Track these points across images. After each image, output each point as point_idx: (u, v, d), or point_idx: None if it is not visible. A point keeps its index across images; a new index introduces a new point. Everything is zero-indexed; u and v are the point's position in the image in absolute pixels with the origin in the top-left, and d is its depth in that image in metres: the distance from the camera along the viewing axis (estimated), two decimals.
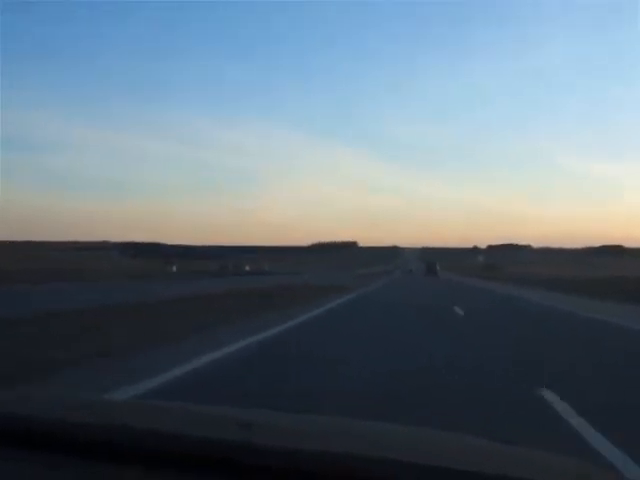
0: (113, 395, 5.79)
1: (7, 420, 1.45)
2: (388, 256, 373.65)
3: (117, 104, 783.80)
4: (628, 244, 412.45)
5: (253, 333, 11.59)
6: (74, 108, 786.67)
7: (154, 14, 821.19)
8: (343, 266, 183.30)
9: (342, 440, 1.41)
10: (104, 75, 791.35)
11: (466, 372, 8.07)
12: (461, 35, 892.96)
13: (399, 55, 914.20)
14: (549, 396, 6.33)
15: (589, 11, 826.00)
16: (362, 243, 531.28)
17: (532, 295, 35.27)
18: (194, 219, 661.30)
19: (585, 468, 1.34)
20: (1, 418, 1.46)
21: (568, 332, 14.44)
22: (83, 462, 1.32)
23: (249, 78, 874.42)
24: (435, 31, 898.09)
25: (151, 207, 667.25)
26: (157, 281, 49.46)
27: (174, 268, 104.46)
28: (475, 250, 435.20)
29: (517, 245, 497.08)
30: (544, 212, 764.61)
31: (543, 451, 1.42)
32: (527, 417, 5.57)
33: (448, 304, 22.94)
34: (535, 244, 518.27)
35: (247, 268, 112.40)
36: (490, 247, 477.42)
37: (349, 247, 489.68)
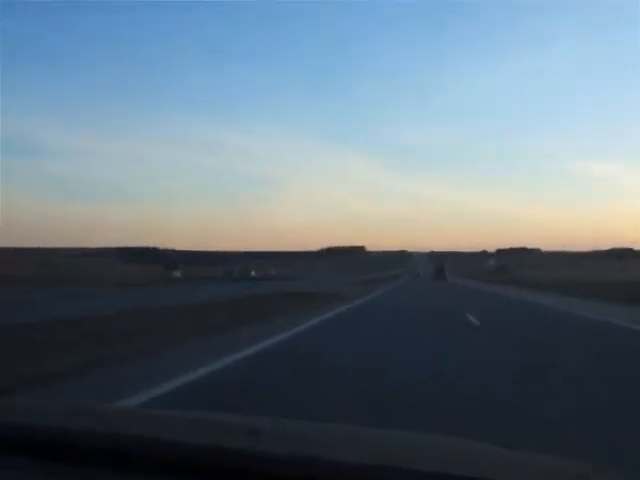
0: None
1: (8, 428, 1.46)
2: (396, 260, 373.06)
3: (121, 109, 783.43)
4: (638, 247, 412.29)
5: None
6: (78, 113, 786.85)
7: (158, 17, 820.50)
8: (351, 270, 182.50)
9: (350, 448, 1.42)
10: (107, 79, 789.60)
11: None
12: (467, 38, 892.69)
13: (406, 60, 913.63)
14: None
15: (592, 12, 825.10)
16: (370, 248, 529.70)
17: (554, 302, 30.81)
18: (202, 224, 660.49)
19: (585, 470, 1.36)
20: (2, 426, 1.47)
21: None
22: (85, 470, 1.32)
23: (258, 82, 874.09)
24: (443, 34, 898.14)
25: (158, 213, 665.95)
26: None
27: (178, 274, 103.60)
28: (484, 254, 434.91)
29: (526, 248, 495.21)
30: (553, 215, 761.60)
31: (544, 455, 1.46)
32: None
33: (461, 310, 20.73)
34: (544, 247, 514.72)
35: (253, 273, 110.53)
36: (499, 251, 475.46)
37: (357, 252, 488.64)
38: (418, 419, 5.67)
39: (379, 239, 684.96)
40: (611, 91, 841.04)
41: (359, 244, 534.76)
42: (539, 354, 10.66)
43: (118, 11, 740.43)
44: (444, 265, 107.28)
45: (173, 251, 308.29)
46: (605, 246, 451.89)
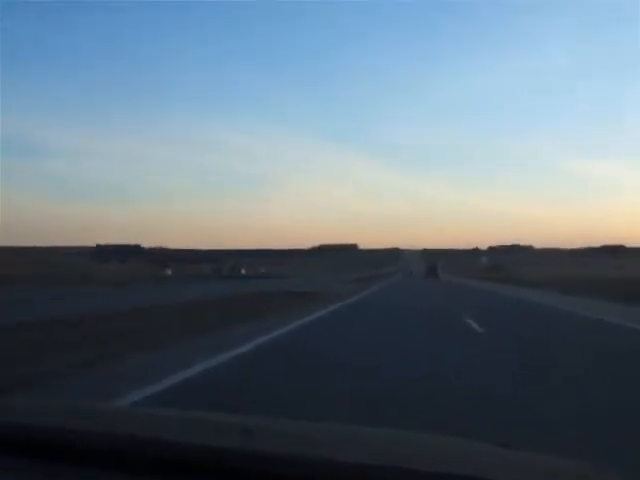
0: None
1: (7, 428, 1.45)
2: (389, 258, 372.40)
3: (120, 108, 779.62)
4: (629, 244, 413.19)
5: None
6: (77, 113, 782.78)
7: (158, 16, 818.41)
8: (343, 269, 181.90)
9: (345, 447, 1.42)
10: (107, 79, 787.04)
11: None
12: (464, 37, 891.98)
13: (403, 59, 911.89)
14: None
15: (588, 11, 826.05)
16: (363, 245, 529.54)
17: (553, 301, 29.73)
18: (198, 223, 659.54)
19: (585, 470, 1.35)
20: (1, 426, 1.47)
21: None
22: (83, 470, 1.32)
23: (258, 81, 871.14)
24: (439, 33, 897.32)
25: (154, 211, 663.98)
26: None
27: (169, 272, 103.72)
28: (476, 251, 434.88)
29: (519, 246, 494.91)
30: (545, 213, 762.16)
31: (544, 455, 1.44)
32: None
33: (458, 312, 19.37)
34: (537, 245, 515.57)
35: (243, 271, 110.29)
36: (491, 248, 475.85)
37: (350, 249, 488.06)
38: (412, 418, 5.63)
39: (371, 237, 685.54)
40: (605, 90, 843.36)
41: (352, 242, 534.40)
42: (538, 354, 10.58)
43: (118, 11, 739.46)
44: (437, 263, 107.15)
45: (160, 249, 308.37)
46: (597, 243, 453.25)
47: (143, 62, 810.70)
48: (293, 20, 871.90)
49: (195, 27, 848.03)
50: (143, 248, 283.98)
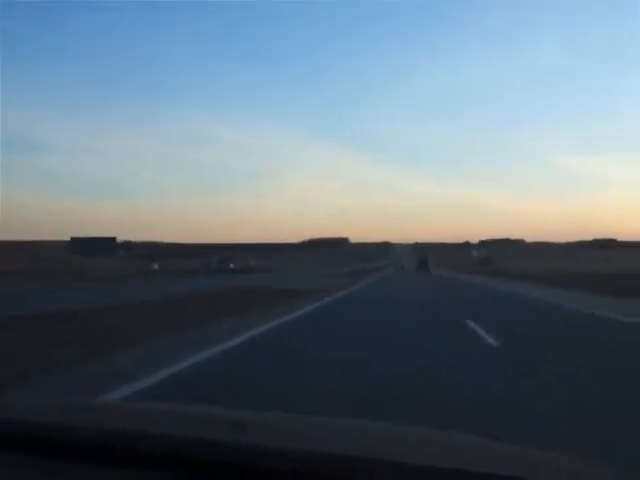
0: None
1: (5, 424, 1.46)
2: (380, 252, 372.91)
3: (116, 104, 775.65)
4: (620, 237, 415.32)
5: None
6: (72, 109, 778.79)
7: (155, 14, 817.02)
8: (334, 262, 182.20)
9: (336, 440, 1.42)
10: (103, 76, 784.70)
11: None
12: (452, 32, 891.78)
13: (391, 54, 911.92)
14: None
15: (576, 8, 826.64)
16: (353, 239, 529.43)
17: (542, 294, 29.53)
18: (191, 218, 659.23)
19: (577, 465, 1.35)
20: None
21: None
22: (80, 466, 1.32)
23: (248, 78, 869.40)
24: (428, 29, 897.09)
25: (147, 206, 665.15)
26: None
27: (156, 266, 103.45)
28: (467, 245, 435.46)
29: (510, 240, 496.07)
30: (536, 207, 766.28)
31: (534, 448, 1.42)
32: None
33: (458, 315, 16.01)
34: (528, 239, 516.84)
35: (232, 265, 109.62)
36: (482, 242, 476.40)
37: (341, 243, 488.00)
38: (403, 412, 5.60)
39: (362, 230, 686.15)
40: (596, 86, 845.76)
41: (343, 236, 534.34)
42: (528, 349, 10.52)
43: (115, 8, 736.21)
44: (427, 258, 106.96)
45: (152, 243, 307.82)
46: (589, 237, 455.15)
47: (139, 59, 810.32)
48: (285, 19, 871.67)
49: (189, 26, 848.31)
50: (134, 242, 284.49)
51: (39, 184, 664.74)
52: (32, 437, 1.39)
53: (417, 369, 8.18)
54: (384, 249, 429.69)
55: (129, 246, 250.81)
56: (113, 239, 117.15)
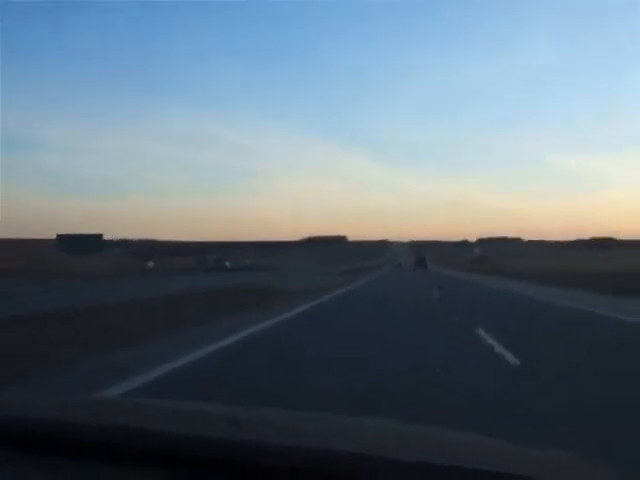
0: None
1: (4, 421, 1.45)
2: (377, 250, 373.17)
3: (116, 104, 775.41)
4: (618, 236, 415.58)
5: None
6: (72, 108, 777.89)
7: (154, 13, 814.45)
8: (332, 260, 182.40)
9: (333, 437, 1.43)
10: (102, 75, 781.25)
11: None
12: (452, 32, 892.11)
13: (391, 54, 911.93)
14: None
15: (573, 9, 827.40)
16: (351, 237, 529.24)
17: (537, 293, 29.30)
18: (189, 216, 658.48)
19: (574, 462, 1.35)
20: None
21: None
22: (80, 463, 1.32)
23: (248, 77, 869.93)
24: (428, 29, 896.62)
25: (147, 205, 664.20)
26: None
27: (151, 264, 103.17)
28: (465, 243, 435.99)
29: (507, 238, 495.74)
30: (534, 206, 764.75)
31: (531, 446, 1.42)
32: None
33: (467, 323, 14.08)
34: (525, 237, 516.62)
35: (227, 264, 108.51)
36: (480, 240, 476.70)
37: (339, 241, 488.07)
38: (399, 410, 5.60)
39: (360, 229, 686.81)
40: (594, 85, 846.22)
41: (341, 234, 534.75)
42: (528, 349, 10.40)
43: (114, 7, 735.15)
44: (425, 255, 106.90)
45: (150, 241, 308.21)
46: (586, 235, 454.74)
47: (138, 59, 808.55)
48: (284, 18, 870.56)
49: (188, 25, 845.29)
50: (131, 240, 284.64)
51: (39, 184, 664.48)
52: (31, 433, 1.38)
53: (413, 367, 8.17)
54: (382, 247, 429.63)
55: (125, 244, 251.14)
56: (100, 236, 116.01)
